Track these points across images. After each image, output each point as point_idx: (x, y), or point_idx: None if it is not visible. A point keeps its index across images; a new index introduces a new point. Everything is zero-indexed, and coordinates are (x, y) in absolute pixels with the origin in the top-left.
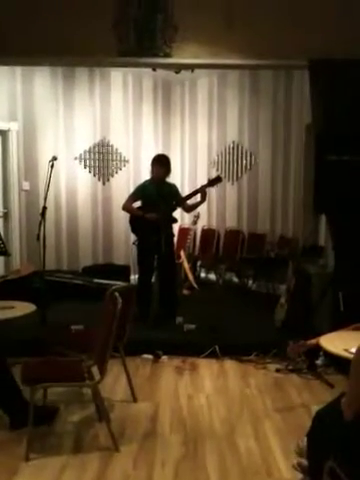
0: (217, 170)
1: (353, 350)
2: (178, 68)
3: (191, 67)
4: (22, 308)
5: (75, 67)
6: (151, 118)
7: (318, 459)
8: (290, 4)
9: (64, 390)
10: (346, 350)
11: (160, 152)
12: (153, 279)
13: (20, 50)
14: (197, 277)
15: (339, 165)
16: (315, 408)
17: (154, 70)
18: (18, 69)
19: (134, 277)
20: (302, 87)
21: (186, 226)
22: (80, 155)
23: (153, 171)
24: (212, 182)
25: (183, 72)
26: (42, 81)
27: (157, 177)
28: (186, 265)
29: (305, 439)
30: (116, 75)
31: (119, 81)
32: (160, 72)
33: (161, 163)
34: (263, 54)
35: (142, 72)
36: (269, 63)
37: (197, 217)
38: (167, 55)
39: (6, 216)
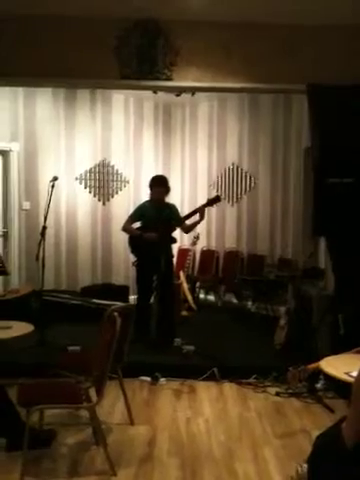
0: (217, 191)
1: (354, 374)
2: (179, 91)
3: (192, 90)
4: (20, 328)
5: (77, 89)
6: (151, 140)
7: None
8: (288, 31)
9: (61, 412)
10: (347, 373)
11: (160, 173)
12: (152, 300)
13: (23, 72)
14: (196, 298)
15: (338, 188)
16: (316, 433)
17: (155, 93)
18: (20, 90)
19: (133, 297)
20: (301, 111)
21: (185, 247)
22: (81, 175)
23: (153, 192)
24: (211, 202)
25: (184, 95)
26: (44, 102)
27: (158, 198)
28: (185, 286)
29: (305, 465)
30: (117, 97)
31: (120, 103)
32: (161, 95)
33: (160, 183)
34: (262, 79)
35: (143, 95)
36: (268, 87)
37: (197, 238)
38: (168, 78)
39: (6, 235)
